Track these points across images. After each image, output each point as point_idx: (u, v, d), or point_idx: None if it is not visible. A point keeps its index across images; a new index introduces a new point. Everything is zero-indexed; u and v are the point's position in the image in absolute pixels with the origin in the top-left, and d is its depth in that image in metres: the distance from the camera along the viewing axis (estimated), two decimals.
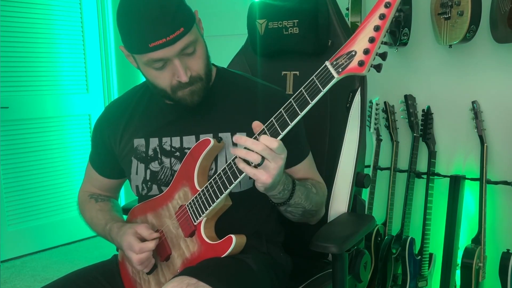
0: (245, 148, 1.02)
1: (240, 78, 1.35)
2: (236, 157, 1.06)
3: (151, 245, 1.18)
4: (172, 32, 1.10)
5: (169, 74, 1.17)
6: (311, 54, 1.51)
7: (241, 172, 1.07)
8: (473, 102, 2.13)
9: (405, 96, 2.30)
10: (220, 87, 1.30)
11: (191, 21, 1.15)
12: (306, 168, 1.29)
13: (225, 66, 1.50)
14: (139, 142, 1.31)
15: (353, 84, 1.43)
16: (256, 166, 1.02)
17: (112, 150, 1.37)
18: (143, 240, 1.19)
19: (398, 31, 2.21)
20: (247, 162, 1.03)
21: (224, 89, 1.30)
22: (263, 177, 1.03)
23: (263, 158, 1.01)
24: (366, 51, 0.91)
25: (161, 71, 1.16)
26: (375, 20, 0.90)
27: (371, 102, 2.40)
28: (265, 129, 1.03)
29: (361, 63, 0.92)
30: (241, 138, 1.02)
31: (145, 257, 1.18)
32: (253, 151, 1.01)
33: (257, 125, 1.04)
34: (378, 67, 0.95)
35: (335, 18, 1.49)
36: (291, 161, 1.23)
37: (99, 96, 3.65)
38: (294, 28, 1.51)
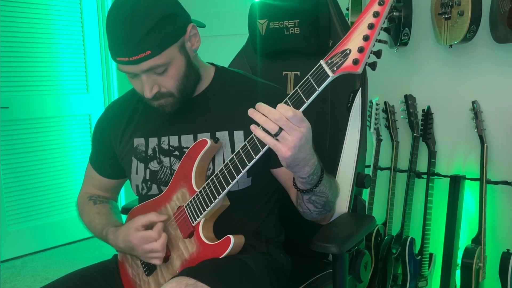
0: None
1: (238, 77, 1.35)
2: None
3: (161, 224, 1.17)
4: (135, 53, 1.10)
5: (140, 84, 1.18)
6: (312, 54, 1.51)
7: (239, 172, 1.07)
8: (473, 102, 2.12)
9: (405, 96, 2.30)
10: (218, 86, 1.30)
11: (165, 43, 1.12)
12: None
13: (226, 66, 1.50)
14: (139, 142, 1.31)
15: (354, 85, 1.43)
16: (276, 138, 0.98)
17: (112, 149, 1.37)
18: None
19: (399, 31, 2.21)
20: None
21: (222, 88, 1.30)
22: (283, 149, 0.98)
23: (280, 128, 0.97)
24: (361, 49, 0.91)
25: (134, 79, 1.19)
26: (369, 18, 0.90)
27: (371, 102, 2.40)
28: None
29: (355, 62, 0.91)
30: (260, 105, 0.99)
31: (166, 238, 1.17)
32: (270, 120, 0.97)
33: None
34: (373, 65, 0.94)
35: (336, 18, 1.49)
36: None
37: (99, 96, 3.64)
38: (295, 28, 1.51)
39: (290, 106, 0.98)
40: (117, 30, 1.10)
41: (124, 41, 1.09)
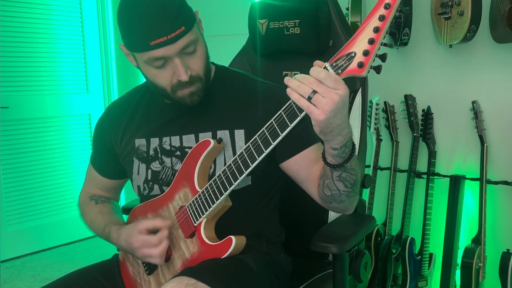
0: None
1: (239, 76, 1.36)
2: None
3: (166, 232, 1.17)
4: (173, 30, 1.10)
5: (170, 73, 1.17)
6: (312, 54, 1.51)
7: (241, 172, 1.07)
8: (473, 102, 2.13)
9: (405, 96, 2.30)
10: (219, 86, 1.30)
11: (192, 20, 1.16)
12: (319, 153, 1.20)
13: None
14: (140, 142, 1.31)
15: (354, 85, 1.43)
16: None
17: (113, 150, 1.37)
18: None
19: (399, 31, 2.21)
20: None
21: (223, 87, 1.30)
22: (316, 112, 0.94)
23: (314, 91, 0.93)
24: (366, 53, 0.90)
25: (162, 69, 1.17)
26: (374, 22, 0.90)
27: (371, 102, 2.40)
28: (265, 130, 1.02)
29: (360, 65, 0.91)
30: (290, 79, 0.96)
31: (166, 246, 1.17)
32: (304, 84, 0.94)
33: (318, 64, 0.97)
34: (378, 69, 0.94)
35: (336, 18, 1.49)
36: (303, 143, 1.21)
37: (99, 96, 3.64)
38: (295, 28, 1.51)
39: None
40: (148, 13, 1.10)
41: (161, 19, 1.10)
